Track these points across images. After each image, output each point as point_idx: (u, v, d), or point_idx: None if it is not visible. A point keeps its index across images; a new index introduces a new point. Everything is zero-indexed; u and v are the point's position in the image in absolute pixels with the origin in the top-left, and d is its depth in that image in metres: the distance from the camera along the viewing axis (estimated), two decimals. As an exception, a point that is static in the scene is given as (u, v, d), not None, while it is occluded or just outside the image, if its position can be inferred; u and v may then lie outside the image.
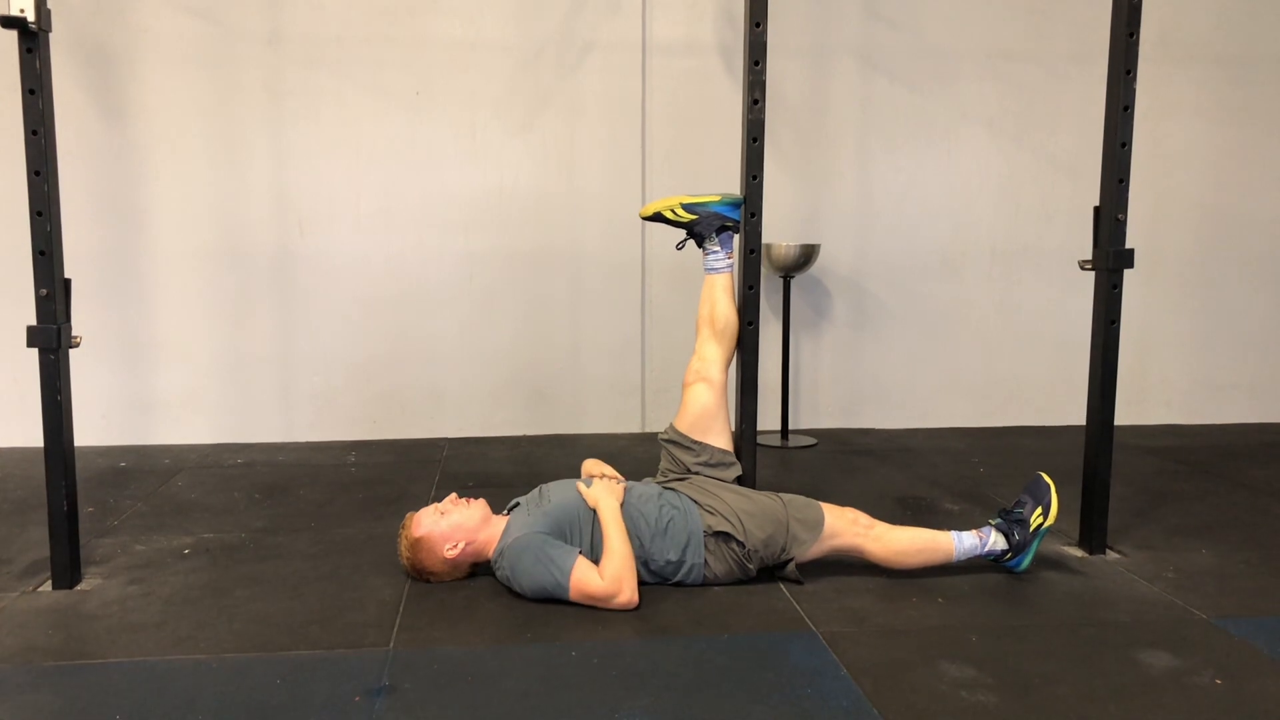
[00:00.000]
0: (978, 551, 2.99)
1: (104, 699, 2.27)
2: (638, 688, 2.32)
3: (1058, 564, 3.17)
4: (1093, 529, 3.28)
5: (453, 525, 2.89)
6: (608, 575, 2.72)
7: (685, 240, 3.33)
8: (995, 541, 2.99)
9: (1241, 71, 5.24)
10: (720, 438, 3.19)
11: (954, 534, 3.00)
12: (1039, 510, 3.00)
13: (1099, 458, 3.26)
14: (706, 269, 3.26)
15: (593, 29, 4.86)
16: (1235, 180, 5.31)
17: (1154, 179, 5.18)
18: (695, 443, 3.16)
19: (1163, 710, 2.23)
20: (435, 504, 2.97)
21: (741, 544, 2.89)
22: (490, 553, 2.92)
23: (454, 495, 3.00)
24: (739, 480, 3.18)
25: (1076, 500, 3.37)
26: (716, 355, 3.19)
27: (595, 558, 2.81)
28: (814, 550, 2.93)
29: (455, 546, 2.88)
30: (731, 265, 3.25)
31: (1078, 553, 3.29)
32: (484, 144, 4.87)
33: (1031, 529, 2.99)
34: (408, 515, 2.98)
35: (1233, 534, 3.50)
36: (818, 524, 2.92)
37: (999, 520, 3.04)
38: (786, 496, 3.03)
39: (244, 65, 4.69)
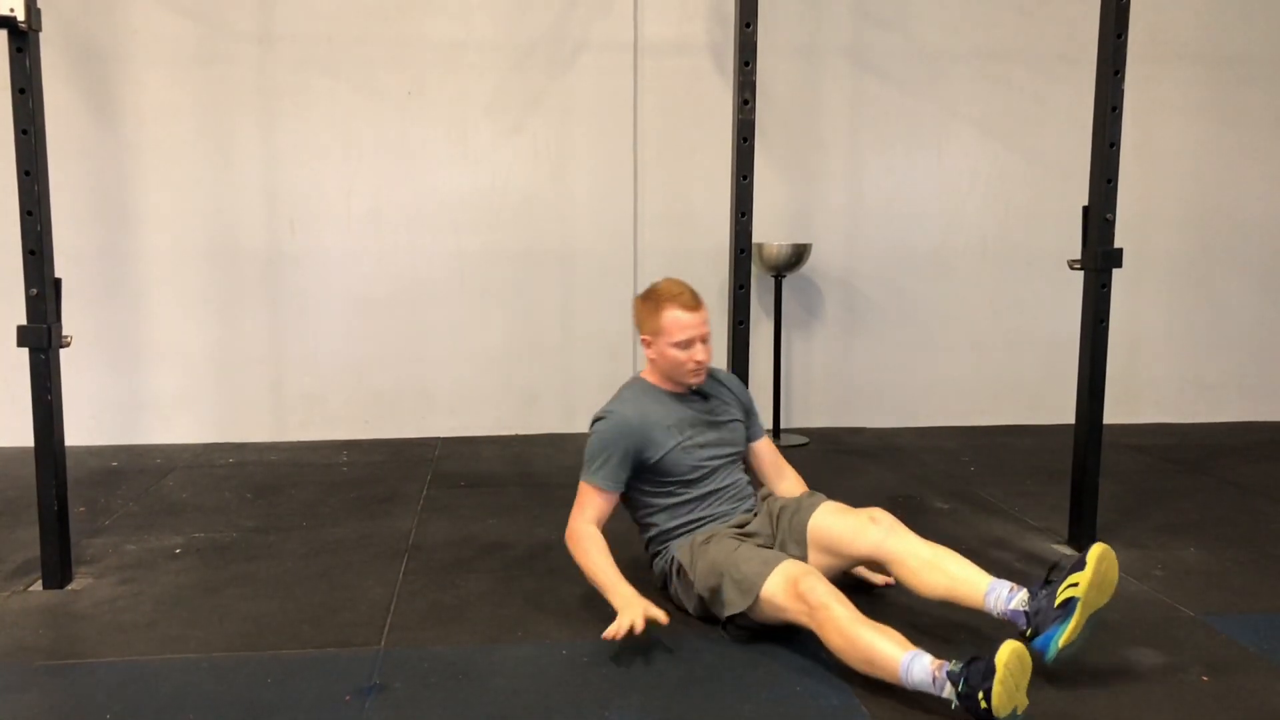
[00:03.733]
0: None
1: (95, 698, 2.27)
2: (627, 686, 2.33)
3: (1047, 563, 3.18)
4: (1082, 527, 3.29)
5: None
6: (580, 529, 2.68)
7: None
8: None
9: (1230, 72, 5.25)
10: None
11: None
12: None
13: (1088, 457, 3.27)
14: None
15: (584, 28, 4.86)
16: (1225, 180, 5.33)
17: (1143, 179, 5.19)
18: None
19: (1151, 707, 2.24)
20: None
21: (691, 582, 2.68)
22: None
23: None
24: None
25: (1066, 499, 3.38)
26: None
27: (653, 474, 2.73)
28: (761, 614, 2.50)
29: None
30: None
31: (1067, 550, 3.30)
32: (475, 144, 4.87)
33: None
34: None
35: (1221, 532, 3.52)
36: (751, 589, 2.47)
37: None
38: (746, 552, 2.57)
39: (235, 65, 4.68)
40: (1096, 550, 2.31)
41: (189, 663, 2.46)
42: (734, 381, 3.01)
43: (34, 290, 2.83)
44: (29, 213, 2.81)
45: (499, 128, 4.87)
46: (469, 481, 4.16)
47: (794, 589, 2.38)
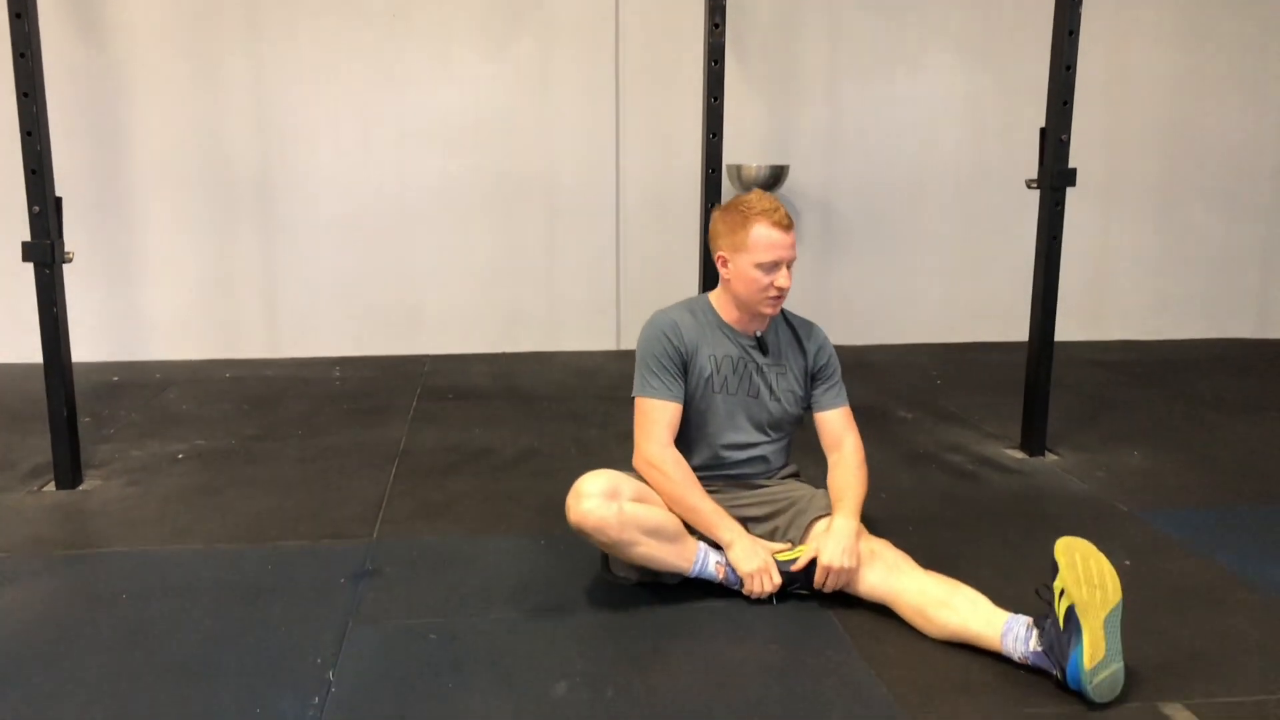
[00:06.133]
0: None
1: (110, 582, 2.48)
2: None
3: (997, 465, 3.40)
4: (1032, 433, 3.50)
5: None
6: (659, 453, 2.36)
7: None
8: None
9: (1202, -4, 5.35)
10: None
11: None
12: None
13: (1040, 367, 3.47)
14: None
15: (566, -49, 4.93)
16: (1194, 103, 5.44)
17: (1115, 102, 5.30)
18: None
19: (1074, 587, 2.46)
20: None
21: None
22: None
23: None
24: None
25: (1020, 408, 3.58)
26: None
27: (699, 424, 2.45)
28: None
29: None
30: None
31: (1018, 454, 3.52)
32: (459, 66, 4.96)
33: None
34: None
35: (1166, 438, 3.74)
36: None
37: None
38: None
39: (222, -13, 4.75)
40: (1060, 545, 2.04)
41: (195, 552, 2.66)
42: (814, 338, 2.61)
43: (36, 208, 2.97)
44: (28, 133, 2.94)
45: (482, 50, 4.96)
46: (457, 395, 4.35)
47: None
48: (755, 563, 2.31)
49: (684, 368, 2.42)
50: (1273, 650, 2.17)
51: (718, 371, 2.44)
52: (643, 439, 2.39)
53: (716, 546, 2.40)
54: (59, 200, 3.03)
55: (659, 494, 2.37)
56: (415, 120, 4.97)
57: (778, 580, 2.31)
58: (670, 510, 2.36)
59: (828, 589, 2.31)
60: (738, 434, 2.48)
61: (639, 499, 2.31)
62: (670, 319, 2.44)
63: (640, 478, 2.41)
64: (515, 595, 2.42)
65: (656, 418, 2.38)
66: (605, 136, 5.08)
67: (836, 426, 2.58)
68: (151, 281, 4.93)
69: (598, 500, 2.24)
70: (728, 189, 4.52)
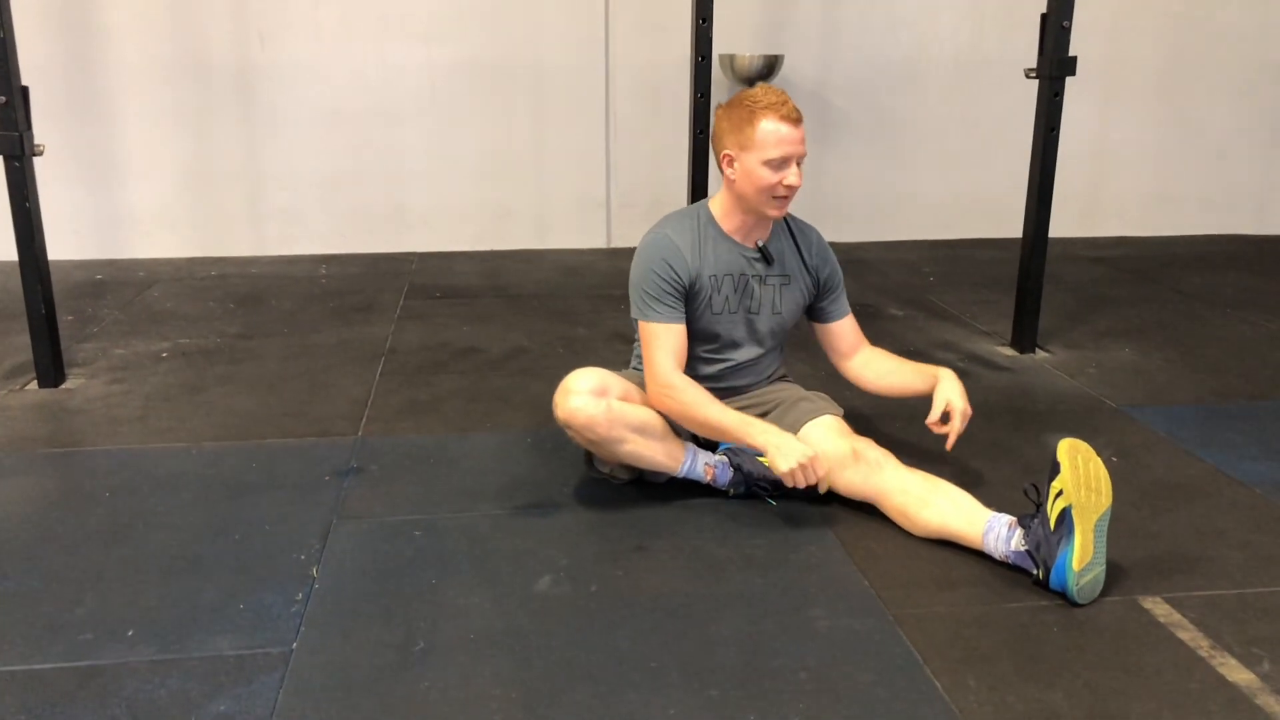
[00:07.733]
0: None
1: (94, 479, 2.48)
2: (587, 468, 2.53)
3: (987, 361, 3.39)
4: (1024, 330, 3.47)
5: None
6: (667, 378, 2.28)
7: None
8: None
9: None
10: None
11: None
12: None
13: (1033, 262, 3.42)
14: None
15: None
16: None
17: (1121, -12, 5.14)
18: None
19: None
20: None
21: None
22: None
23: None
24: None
25: (1012, 305, 3.55)
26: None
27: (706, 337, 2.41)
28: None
29: None
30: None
31: (1008, 352, 3.50)
32: (442, -50, 4.77)
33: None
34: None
35: (1157, 335, 3.72)
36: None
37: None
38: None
39: None
40: (1063, 446, 2.00)
41: (179, 450, 2.65)
42: (815, 250, 2.51)
43: (2, 99, 2.87)
44: (-10, 19, 2.82)
45: (466, -67, 4.77)
46: (444, 293, 4.30)
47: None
48: (793, 458, 2.15)
49: (685, 292, 2.33)
50: (1255, 545, 2.19)
51: (718, 292, 2.36)
52: (655, 365, 2.30)
53: (705, 447, 2.41)
54: (25, 90, 2.93)
55: (679, 421, 2.31)
56: (396, 7, 4.80)
57: (822, 473, 2.19)
58: (696, 432, 2.33)
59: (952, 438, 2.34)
60: (734, 350, 2.44)
61: (627, 397, 2.29)
62: (672, 242, 2.32)
63: (631, 379, 2.39)
64: (500, 492, 2.41)
65: (663, 342, 2.29)
66: (594, 23, 4.91)
67: (850, 334, 2.55)
68: (132, 178, 4.82)
69: (586, 397, 2.22)
70: (719, 79, 4.41)
